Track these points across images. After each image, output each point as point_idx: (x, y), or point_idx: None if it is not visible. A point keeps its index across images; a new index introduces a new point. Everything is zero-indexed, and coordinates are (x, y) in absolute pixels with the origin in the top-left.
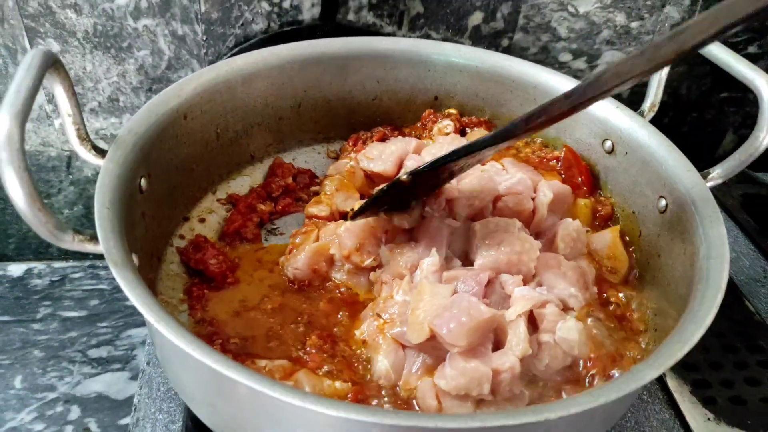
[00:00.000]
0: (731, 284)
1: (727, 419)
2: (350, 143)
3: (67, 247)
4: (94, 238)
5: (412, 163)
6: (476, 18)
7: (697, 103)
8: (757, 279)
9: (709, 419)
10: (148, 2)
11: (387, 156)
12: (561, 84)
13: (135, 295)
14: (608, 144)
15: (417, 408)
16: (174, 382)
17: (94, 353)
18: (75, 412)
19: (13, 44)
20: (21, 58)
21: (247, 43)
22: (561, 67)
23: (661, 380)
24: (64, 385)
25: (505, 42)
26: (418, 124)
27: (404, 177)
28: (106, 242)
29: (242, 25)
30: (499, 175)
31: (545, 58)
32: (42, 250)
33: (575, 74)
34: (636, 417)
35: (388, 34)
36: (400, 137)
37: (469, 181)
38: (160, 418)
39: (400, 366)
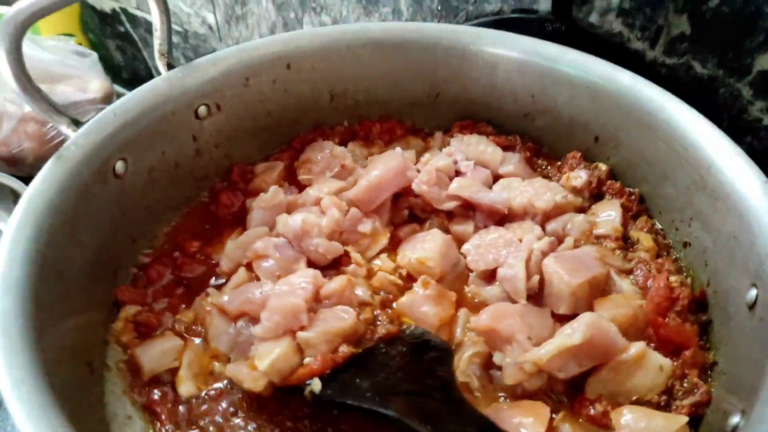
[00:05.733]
0: None
1: None
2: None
3: (63, 132)
4: None
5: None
6: None
7: None
8: None
9: None
10: None
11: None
12: None
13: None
14: (752, 294)
15: None
16: None
17: None
18: None
19: None
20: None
21: (476, 21)
22: None
23: None
24: None
25: None
26: (558, 163)
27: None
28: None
29: (476, 2)
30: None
31: None
32: None
33: None
34: None
35: (634, 52)
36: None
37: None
38: None
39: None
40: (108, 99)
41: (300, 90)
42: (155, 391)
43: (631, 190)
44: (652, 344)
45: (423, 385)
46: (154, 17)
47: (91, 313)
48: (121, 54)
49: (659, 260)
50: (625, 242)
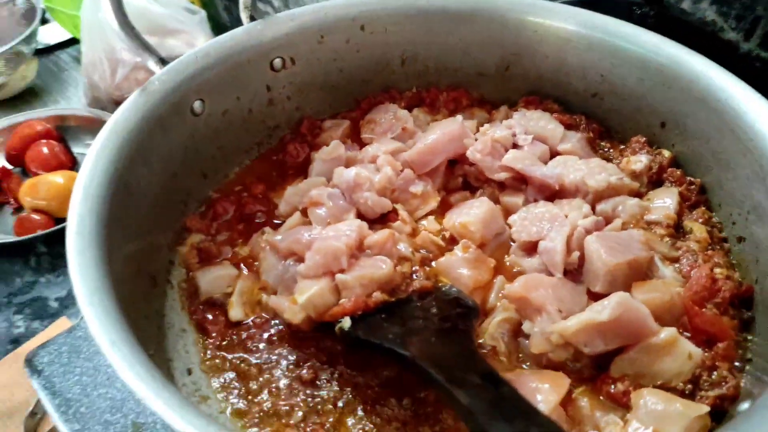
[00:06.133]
0: None
1: None
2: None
3: (150, 67)
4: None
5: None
6: None
7: None
8: None
9: None
10: None
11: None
12: None
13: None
14: None
15: None
16: None
17: None
18: None
19: None
20: None
21: (560, 1)
22: None
23: None
24: None
25: None
26: (621, 146)
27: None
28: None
29: None
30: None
31: None
32: None
33: None
34: None
35: (726, 43)
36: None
37: None
38: None
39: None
40: None
41: (372, 51)
42: (209, 311)
43: (692, 179)
44: (686, 333)
45: (443, 335)
46: None
47: (160, 235)
48: (228, 14)
49: (709, 252)
50: (678, 231)
